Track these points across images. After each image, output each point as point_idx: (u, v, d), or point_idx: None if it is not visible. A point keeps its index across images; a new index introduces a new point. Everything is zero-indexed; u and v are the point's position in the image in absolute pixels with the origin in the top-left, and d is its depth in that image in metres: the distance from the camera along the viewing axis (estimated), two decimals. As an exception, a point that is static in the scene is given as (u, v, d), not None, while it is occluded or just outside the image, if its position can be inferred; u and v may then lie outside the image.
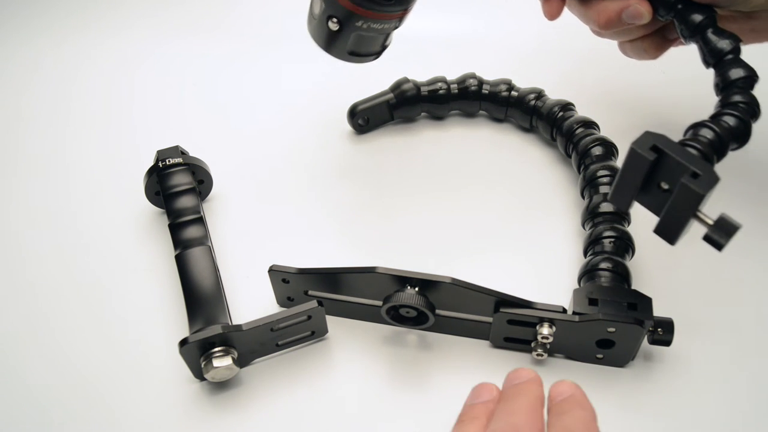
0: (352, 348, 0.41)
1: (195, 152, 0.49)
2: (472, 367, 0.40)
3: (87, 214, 0.50)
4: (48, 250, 0.48)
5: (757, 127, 0.36)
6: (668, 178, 0.32)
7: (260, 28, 0.67)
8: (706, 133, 0.35)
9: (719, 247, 0.31)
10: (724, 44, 0.39)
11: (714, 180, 0.31)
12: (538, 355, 0.38)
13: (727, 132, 0.35)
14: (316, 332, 0.41)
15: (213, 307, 0.40)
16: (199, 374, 0.39)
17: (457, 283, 0.37)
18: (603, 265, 0.39)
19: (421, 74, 0.55)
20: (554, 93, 0.52)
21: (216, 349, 0.37)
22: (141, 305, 0.44)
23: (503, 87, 0.53)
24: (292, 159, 0.53)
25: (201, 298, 0.40)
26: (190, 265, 0.42)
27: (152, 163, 0.47)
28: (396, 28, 0.42)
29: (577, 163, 0.47)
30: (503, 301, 0.38)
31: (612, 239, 0.41)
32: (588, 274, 0.40)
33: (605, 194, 0.44)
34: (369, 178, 0.52)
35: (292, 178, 0.52)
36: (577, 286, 0.40)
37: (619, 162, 0.44)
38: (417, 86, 0.54)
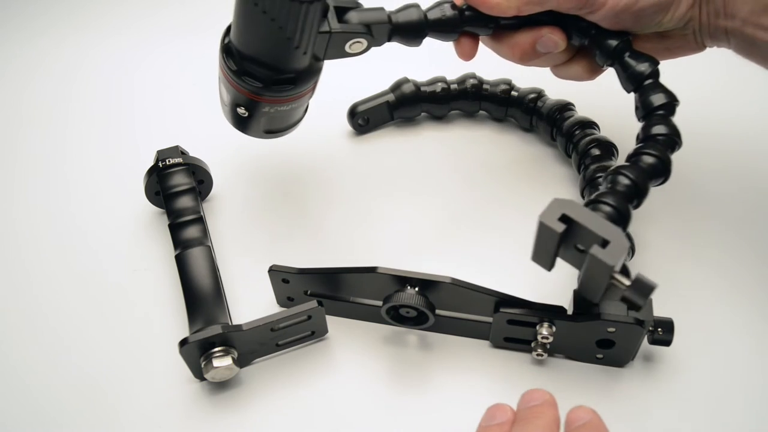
0: (352, 348, 0.41)
1: (195, 152, 0.49)
2: (472, 367, 0.40)
3: (87, 214, 0.50)
4: (48, 251, 0.48)
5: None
6: (582, 242, 0.32)
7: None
8: (622, 181, 0.35)
9: (637, 308, 0.32)
10: (642, 68, 0.39)
11: (623, 246, 0.31)
12: (538, 355, 0.38)
13: (645, 175, 0.36)
14: (316, 332, 0.41)
15: (213, 307, 0.40)
16: (199, 374, 0.39)
17: (456, 283, 0.37)
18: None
19: (421, 74, 0.55)
20: (554, 93, 0.52)
21: (216, 349, 0.37)
22: (141, 305, 0.44)
23: (503, 87, 0.53)
24: (292, 159, 0.53)
25: (201, 298, 0.40)
26: (190, 265, 0.42)
27: (152, 163, 0.47)
28: (308, 101, 0.42)
29: (577, 163, 0.47)
30: (503, 301, 0.38)
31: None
32: (588, 274, 0.40)
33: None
34: (369, 178, 0.52)
35: (292, 178, 0.52)
36: (577, 287, 0.40)
37: (619, 162, 0.44)
38: (417, 86, 0.54)
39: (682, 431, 0.37)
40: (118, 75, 0.63)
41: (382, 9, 0.40)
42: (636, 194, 0.35)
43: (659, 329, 0.37)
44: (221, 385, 0.40)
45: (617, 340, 0.37)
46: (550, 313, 0.37)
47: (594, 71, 0.44)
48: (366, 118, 0.54)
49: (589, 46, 0.41)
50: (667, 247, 0.45)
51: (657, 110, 0.38)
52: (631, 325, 0.36)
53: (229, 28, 0.38)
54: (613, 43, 0.40)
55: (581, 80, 0.45)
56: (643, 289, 0.31)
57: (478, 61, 0.54)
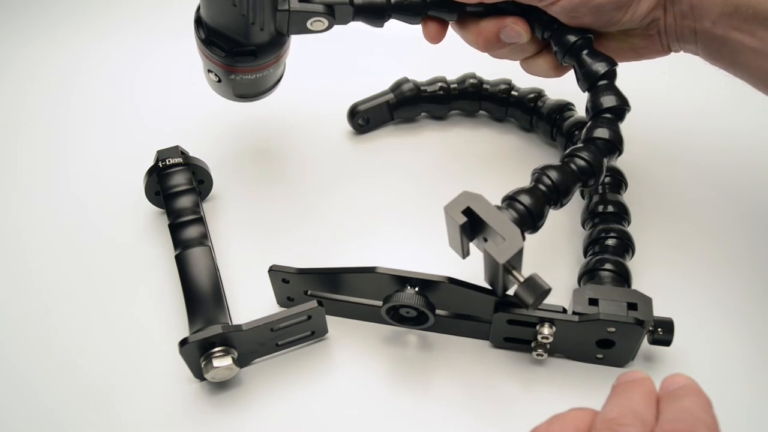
0: (352, 348, 0.41)
1: (195, 152, 0.49)
2: (472, 367, 0.40)
3: (87, 214, 0.50)
4: (48, 251, 0.48)
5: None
6: (486, 235, 0.34)
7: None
8: (545, 181, 0.36)
9: (525, 306, 0.33)
10: (598, 67, 0.39)
11: (516, 245, 0.32)
12: (538, 355, 0.38)
13: (572, 178, 0.36)
14: (316, 332, 0.41)
15: (213, 307, 0.40)
16: (199, 374, 0.39)
17: (456, 283, 0.37)
18: (603, 265, 0.39)
19: (421, 74, 0.55)
20: (554, 93, 0.52)
21: (216, 349, 0.37)
22: (141, 305, 0.44)
23: (503, 87, 0.53)
24: (292, 159, 0.53)
25: (201, 298, 0.40)
26: (190, 265, 0.42)
27: (152, 163, 0.47)
28: (278, 71, 0.44)
29: (577, 163, 0.47)
30: (503, 300, 0.38)
31: (612, 239, 0.41)
32: (588, 274, 0.40)
33: (605, 194, 0.44)
34: (369, 178, 0.52)
35: (292, 178, 0.52)
36: (577, 286, 0.40)
37: (619, 162, 0.44)
38: (417, 86, 0.54)
39: (682, 431, 0.37)
40: (118, 75, 0.63)
41: None
42: (556, 196, 0.36)
43: (659, 329, 0.37)
44: (221, 385, 0.40)
45: (617, 340, 0.37)
46: (550, 313, 0.37)
47: (558, 68, 0.44)
48: (366, 118, 0.54)
49: (551, 40, 0.41)
50: (667, 247, 0.45)
51: (604, 113, 0.38)
52: (631, 325, 0.36)
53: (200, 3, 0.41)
54: (572, 39, 0.40)
55: (547, 77, 0.45)
56: (534, 288, 0.32)
57: (478, 61, 0.54)
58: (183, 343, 0.37)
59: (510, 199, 0.35)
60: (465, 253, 0.36)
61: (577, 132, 0.48)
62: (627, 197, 0.45)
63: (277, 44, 0.41)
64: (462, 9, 0.42)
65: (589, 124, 0.38)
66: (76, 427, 0.38)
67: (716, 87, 0.56)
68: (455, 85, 0.53)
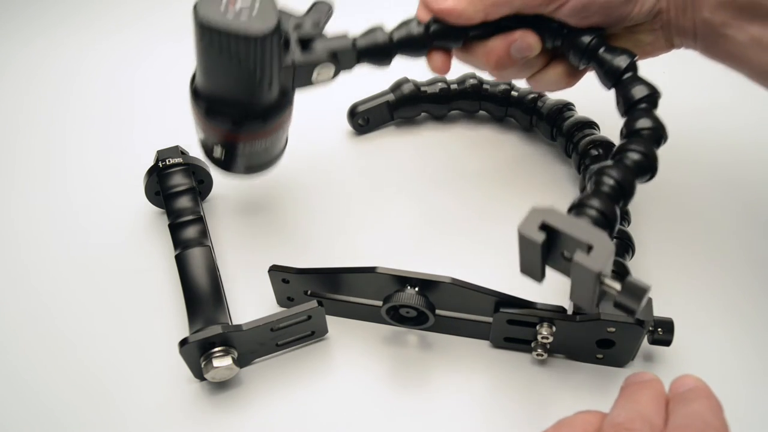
0: (352, 348, 0.41)
1: (195, 152, 0.49)
2: (472, 367, 0.40)
3: (87, 214, 0.50)
4: (48, 251, 0.48)
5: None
6: (567, 249, 0.31)
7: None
8: (607, 181, 0.34)
9: (631, 313, 0.30)
10: (620, 62, 0.38)
11: (609, 250, 0.29)
12: (538, 355, 0.38)
13: (630, 173, 0.35)
14: (316, 332, 0.41)
15: (213, 307, 0.40)
16: (199, 374, 0.39)
17: (456, 283, 0.37)
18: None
19: (421, 74, 0.54)
20: (554, 93, 0.52)
21: (216, 349, 0.37)
22: (141, 305, 0.44)
23: (503, 86, 0.53)
24: (292, 159, 0.53)
25: (201, 298, 0.40)
26: (190, 265, 0.42)
27: (152, 164, 0.47)
28: (285, 135, 0.42)
29: (577, 163, 0.47)
30: (503, 301, 0.38)
31: (612, 239, 0.41)
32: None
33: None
34: (369, 178, 0.52)
35: (292, 178, 0.52)
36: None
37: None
38: (417, 86, 0.54)
39: (682, 431, 0.37)
40: (118, 75, 0.63)
41: (345, 36, 0.40)
42: (622, 194, 0.34)
43: (659, 329, 0.37)
44: (221, 385, 0.40)
45: (617, 340, 0.37)
46: (550, 313, 0.37)
47: (572, 75, 0.43)
48: (366, 118, 0.54)
49: (563, 47, 0.40)
50: (667, 247, 0.45)
51: (639, 103, 0.38)
52: (631, 325, 0.36)
53: (195, 74, 0.38)
54: (586, 39, 0.39)
55: (560, 87, 0.44)
56: (636, 292, 0.30)
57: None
58: (183, 343, 0.37)
59: (578, 207, 0.33)
60: (542, 276, 0.33)
61: (577, 132, 0.48)
62: (627, 197, 0.46)
63: (284, 102, 0.39)
64: (466, 34, 0.41)
65: (627, 118, 0.37)
66: (77, 428, 0.38)
67: (716, 87, 0.56)
68: (455, 85, 0.53)
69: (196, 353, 0.37)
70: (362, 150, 0.54)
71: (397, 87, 0.54)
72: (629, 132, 0.37)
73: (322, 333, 0.41)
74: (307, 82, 0.39)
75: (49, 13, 0.71)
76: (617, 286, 0.30)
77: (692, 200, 0.48)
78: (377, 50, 0.40)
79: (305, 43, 0.38)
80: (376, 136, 0.55)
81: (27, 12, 0.71)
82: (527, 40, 0.40)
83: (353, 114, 0.54)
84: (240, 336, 0.38)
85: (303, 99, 0.41)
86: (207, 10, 0.33)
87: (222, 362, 0.37)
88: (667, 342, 0.37)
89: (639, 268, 0.43)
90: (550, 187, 0.50)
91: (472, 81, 0.53)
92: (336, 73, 0.40)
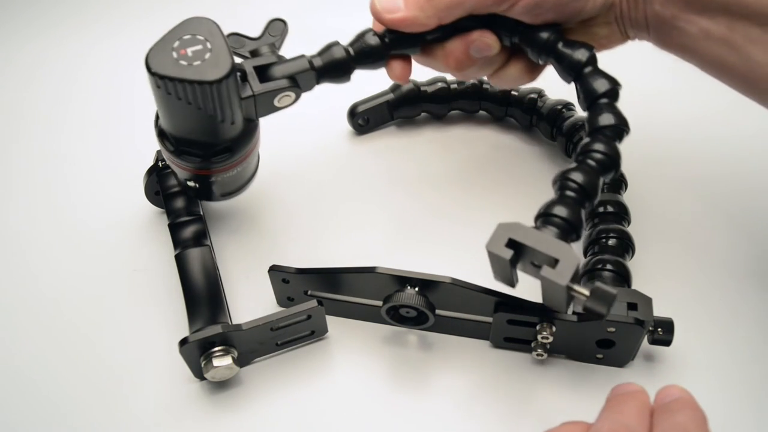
0: (352, 348, 0.41)
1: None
2: (472, 367, 0.40)
3: (87, 213, 0.50)
4: (48, 251, 0.48)
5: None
6: (536, 259, 0.33)
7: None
8: (570, 186, 0.35)
9: (599, 317, 0.32)
10: (579, 56, 0.38)
11: (573, 263, 0.31)
12: (538, 355, 0.38)
13: (593, 174, 0.35)
14: (316, 332, 0.41)
15: (213, 306, 0.40)
16: (199, 374, 0.39)
17: (457, 283, 0.37)
18: (603, 266, 0.39)
19: (421, 74, 0.54)
20: (554, 93, 0.52)
21: (216, 349, 0.37)
22: (141, 305, 0.44)
23: (503, 87, 0.53)
24: (291, 159, 0.53)
25: (201, 298, 0.40)
26: (190, 265, 0.42)
27: (152, 163, 0.47)
28: (255, 159, 0.42)
29: (577, 163, 0.47)
30: (503, 301, 0.38)
31: (612, 239, 0.41)
32: (588, 274, 0.40)
33: (605, 194, 0.44)
34: (369, 178, 0.52)
35: (292, 178, 0.52)
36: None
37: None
38: (417, 86, 0.54)
39: (682, 431, 0.37)
40: (118, 75, 0.63)
41: (302, 57, 0.39)
42: (587, 197, 0.35)
43: (659, 329, 0.37)
44: (221, 385, 0.40)
45: (617, 340, 0.37)
46: (551, 312, 0.37)
47: (532, 71, 0.43)
48: (366, 118, 0.54)
49: (521, 43, 0.40)
50: (667, 247, 0.45)
51: (601, 98, 0.38)
52: (631, 325, 0.36)
53: (157, 114, 0.39)
54: (544, 36, 0.39)
55: (522, 83, 0.44)
56: (604, 297, 0.31)
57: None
58: (183, 342, 0.37)
59: (544, 216, 0.34)
60: (514, 284, 0.35)
61: (577, 132, 0.48)
62: (627, 197, 0.46)
63: (249, 133, 0.39)
64: (423, 39, 0.40)
65: (588, 115, 0.38)
66: (78, 427, 0.38)
67: (716, 88, 0.56)
68: (455, 85, 0.53)
69: (196, 353, 0.37)
70: (362, 150, 0.54)
71: (397, 87, 0.54)
72: (592, 129, 0.37)
73: (322, 332, 0.41)
74: (271, 109, 0.39)
75: (50, 13, 0.71)
76: (586, 292, 0.31)
77: (692, 200, 0.48)
78: (336, 67, 0.39)
79: (262, 72, 0.38)
80: (376, 136, 0.55)
81: (28, 12, 0.71)
82: (485, 41, 0.40)
83: (353, 114, 0.54)
84: (240, 335, 0.38)
85: (302, 99, 0.41)
86: (158, 59, 0.33)
87: (222, 362, 0.37)
88: (667, 342, 0.37)
89: (639, 268, 0.43)
90: (549, 187, 0.50)
91: (471, 81, 0.53)
92: (297, 97, 0.39)
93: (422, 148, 0.54)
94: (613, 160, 0.36)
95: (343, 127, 0.55)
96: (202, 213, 0.45)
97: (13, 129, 0.59)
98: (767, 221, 0.47)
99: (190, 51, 0.34)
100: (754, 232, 0.46)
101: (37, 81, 0.63)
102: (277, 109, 0.39)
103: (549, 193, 0.48)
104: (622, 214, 0.43)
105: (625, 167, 0.46)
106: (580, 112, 0.50)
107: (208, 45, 0.34)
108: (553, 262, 0.31)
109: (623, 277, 0.39)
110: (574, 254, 0.31)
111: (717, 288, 0.43)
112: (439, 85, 0.53)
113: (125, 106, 0.60)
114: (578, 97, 0.39)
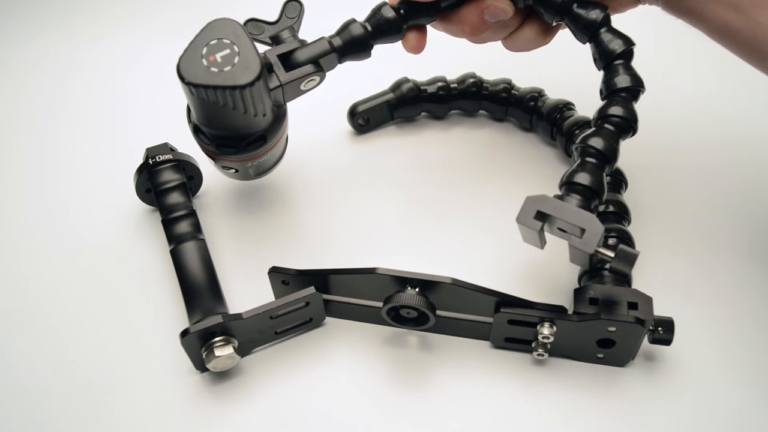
0: (352, 349, 0.41)
1: (195, 153, 0.49)
2: (472, 367, 0.40)
3: (81, 212, 0.50)
4: (43, 249, 0.48)
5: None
6: (563, 226, 0.35)
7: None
8: (589, 151, 0.37)
9: (624, 276, 0.35)
10: (594, 16, 0.39)
11: (598, 231, 0.34)
12: (538, 355, 0.38)
13: (612, 137, 0.37)
14: (314, 319, 0.41)
15: (210, 297, 0.40)
16: (200, 365, 0.39)
17: (457, 284, 0.37)
18: (603, 265, 0.39)
19: (421, 74, 0.54)
20: (554, 93, 0.52)
21: (217, 339, 0.37)
22: (138, 301, 0.44)
23: (503, 86, 0.53)
24: (291, 158, 0.53)
25: (198, 290, 0.40)
26: (185, 259, 0.42)
27: (142, 161, 0.47)
28: (284, 139, 0.44)
29: (577, 162, 0.47)
30: (504, 301, 0.38)
31: (612, 239, 0.41)
32: (588, 273, 0.40)
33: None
34: (369, 178, 0.52)
35: (291, 177, 0.52)
36: (578, 286, 0.40)
37: (618, 162, 0.44)
38: (417, 86, 0.54)
39: (682, 430, 0.37)
40: (112, 75, 0.63)
41: (322, 39, 0.40)
42: (606, 160, 0.37)
43: (660, 328, 0.37)
44: (222, 376, 0.40)
45: (618, 340, 0.37)
46: (551, 312, 0.37)
47: (546, 33, 0.43)
48: (366, 118, 0.54)
49: (535, 5, 0.41)
50: (667, 246, 0.45)
51: (617, 59, 0.38)
52: (631, 324, 0.36)
53: (189, 109, 0.40)
54: None
55: (536, 46, 0.44)
56: (627, 258, 0.34)
57: (478, 61, 0.54)
58: (184, 333, 0.37)
59: (567, 185, 0.36)
60: (542, 245, 0.38)
61: (577, 131, 0.48)
62: (627, 197, 0.45)
63: (279, 118, 0.40)
64: (438, 6, 0.41)
65: (604, 76, 0.38)
66: (80, 422, 0.38)
67: (716, 88, 0.56)
68: (455, 85, 0.53)
69: (197, 344, 0.38)
70: (362, 150, 0.54)
71: (397, 87, 0.54)
72: (609, 92, 0.38)
73: (320, 320, 0.41)
74: (297, 93, 0.40)
75: (45, 14, 0.71)
76: (611, 254, 0.34)
77: (693, 200, 0.48)
78: (356, 44, 0.41)
79: (285, 59, 0.39)
80: (376, 136, 0.55)
81: (23, 13, 0.71)
82: (499, 5, 0.40)
83: (353, 114, 0.54)
84: (240, 325, 0.38)
85: (302, 98, 0.41)
86: (189, 68, 0.34)
87: (223, 351, 0.37)
88: (667, 341, 0.37)
89: (639, 267, 0.42)
90: (550, 186, 0.50)
91: (472, 81, 0.53)
92: (321, 80, 0.41)
93: (422, 148, 0.54)
94: (630, 122, 0.37)
95: (343, 127, 0.55)
96: (194, 208, 0.46)
97: (7, 127, 0.58)
98: (767, 221, 0.47)
99: (219, 57, 0.35)
100: (754, 232, 0.46)
101: (31, 83, 0.63)
102: (304, 92, 0.41)
103: (549, 193, 0.48)
104: (622, 213, 0.43)
105: (625, 167, 0.46)
106: (580, 112, 0.50)
107: (236, 48, 0.35)
108: (580, 232, 0.34)
109: (624, 276, 0.39)
110: (598, 223, 0.34)
111: (718, 287, 0.43)
112: (439, 85, 0.53)
113: (118, 107, 0.59)
114: (594, 59, 0.40)
